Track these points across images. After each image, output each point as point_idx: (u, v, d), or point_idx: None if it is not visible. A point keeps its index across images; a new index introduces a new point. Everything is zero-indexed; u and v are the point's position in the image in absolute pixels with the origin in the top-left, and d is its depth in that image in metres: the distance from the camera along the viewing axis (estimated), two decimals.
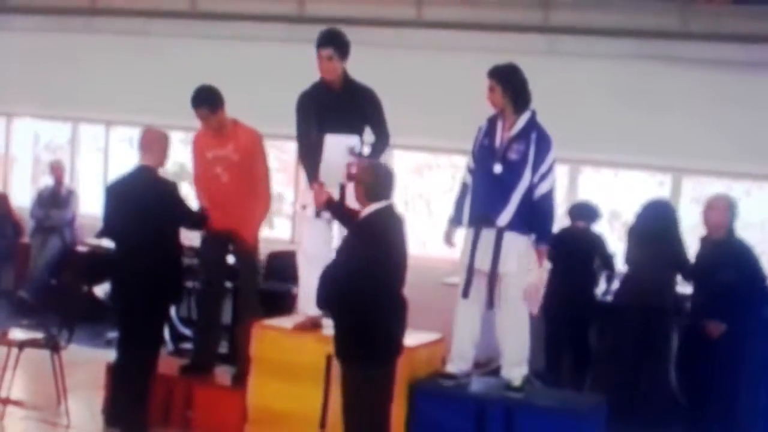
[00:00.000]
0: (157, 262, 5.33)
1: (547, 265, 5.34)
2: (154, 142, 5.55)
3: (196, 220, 5.81)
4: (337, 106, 5.42)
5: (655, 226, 6.71)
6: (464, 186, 5.46)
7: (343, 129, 5.42)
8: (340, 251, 4.73)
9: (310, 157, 5.45)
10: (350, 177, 5.00)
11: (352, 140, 5.42)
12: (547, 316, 7.25)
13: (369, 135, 5.61)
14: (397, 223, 4.70)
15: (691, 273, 6.48)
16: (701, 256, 6.35)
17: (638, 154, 8.02)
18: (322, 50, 5.40)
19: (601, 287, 7.58)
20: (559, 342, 7.34)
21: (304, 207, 5.54)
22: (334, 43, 5.39)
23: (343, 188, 5.31)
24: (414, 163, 8.74)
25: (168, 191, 5.51)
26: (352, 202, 4.99)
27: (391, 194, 4.72)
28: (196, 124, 6.17)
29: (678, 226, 6.82)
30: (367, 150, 5.53)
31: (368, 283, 4.47)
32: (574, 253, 7.22)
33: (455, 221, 5.44)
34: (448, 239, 5.48)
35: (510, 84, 5.25)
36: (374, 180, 4.67)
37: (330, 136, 5.42)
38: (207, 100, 5.90)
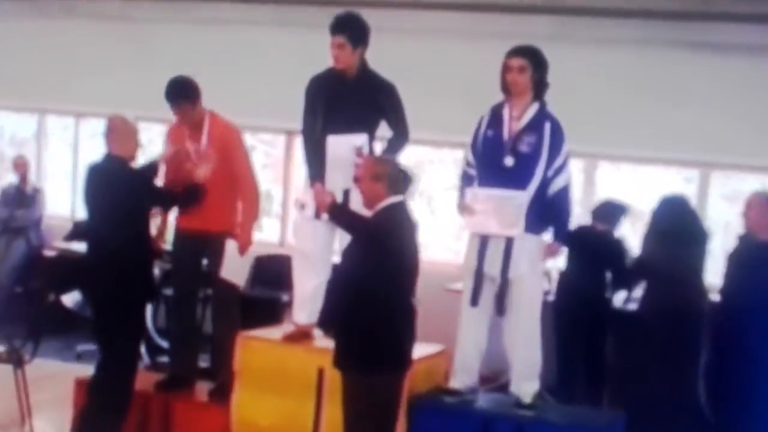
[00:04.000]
0: (125, 260, 5.35)
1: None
2: (120, 130, 5.53)
3: (173, 199, 5.77)
4: (349, 97, 5.37)
5: (680, 224, 6.71)
6: (465, 174, 5.45)
7: (353, 123, 5.36)
8: (348, 255, 4.73)
9: (313, 152, 5.39)
10: (356, 180, 4.96)
11: (358, 139, 5.35)
12: (558, 326, 7.26)
13: (383, 131, 5.54)
14: (413, 222, 4.73)
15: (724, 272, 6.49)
16: (738, 255, 6.35)
17: (661, 147, 8.02)
18: (333, 37, 5.35)
19: (621, 294, 7.57)
20: (572, 354, 7.33)
21: (303, 206, 5.47)
22: (347, 29, 5.33)
23: (347, 194, 5.27)
24: (414, 158, 8.73)
25: (138, 183, 5.52)
26: (357, 208, 4.98)
27: (407, 190, 4.73)
28: None
29: (702, 222, 6.84)
30: (378, 148, 5.48)
31: (381, 282, 4.48)
32: (588, 257, 7.21)
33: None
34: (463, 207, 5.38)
35: (541, 67, 5.25)
36: (396, 172, 4.69)
37: (333, 137, 5.36)
38: (186, 93, 5.83)
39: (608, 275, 7.30)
